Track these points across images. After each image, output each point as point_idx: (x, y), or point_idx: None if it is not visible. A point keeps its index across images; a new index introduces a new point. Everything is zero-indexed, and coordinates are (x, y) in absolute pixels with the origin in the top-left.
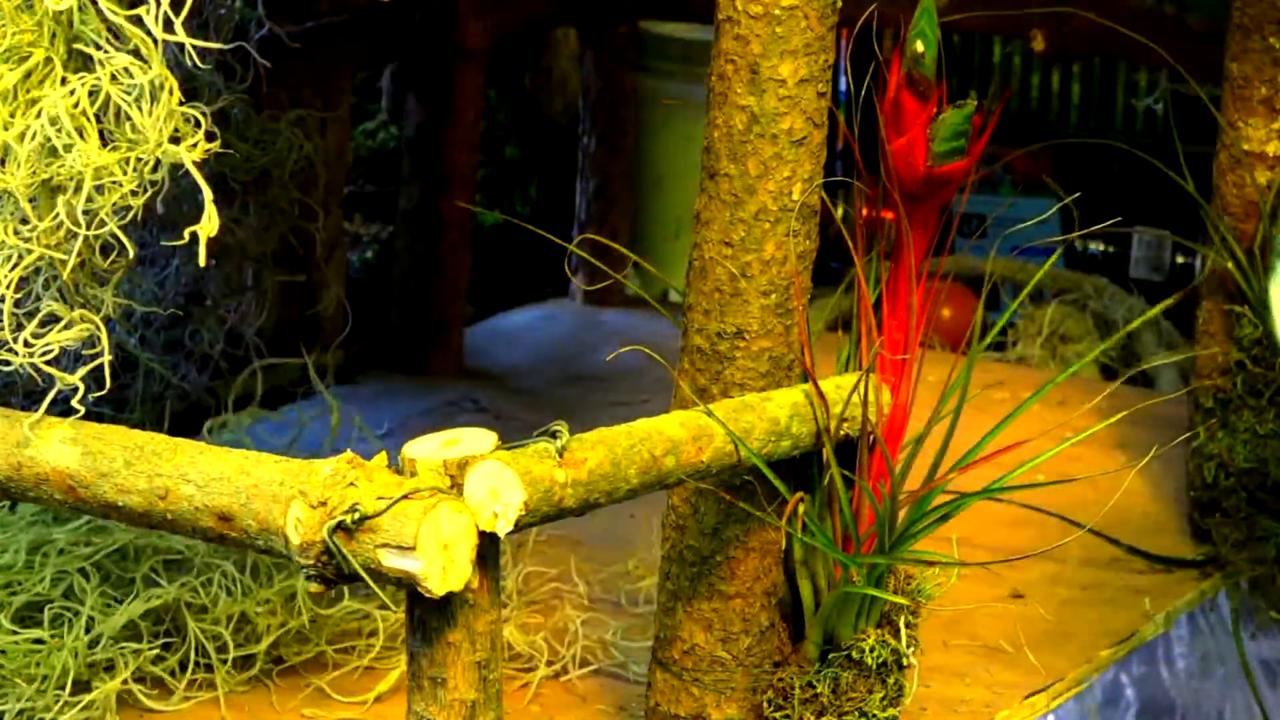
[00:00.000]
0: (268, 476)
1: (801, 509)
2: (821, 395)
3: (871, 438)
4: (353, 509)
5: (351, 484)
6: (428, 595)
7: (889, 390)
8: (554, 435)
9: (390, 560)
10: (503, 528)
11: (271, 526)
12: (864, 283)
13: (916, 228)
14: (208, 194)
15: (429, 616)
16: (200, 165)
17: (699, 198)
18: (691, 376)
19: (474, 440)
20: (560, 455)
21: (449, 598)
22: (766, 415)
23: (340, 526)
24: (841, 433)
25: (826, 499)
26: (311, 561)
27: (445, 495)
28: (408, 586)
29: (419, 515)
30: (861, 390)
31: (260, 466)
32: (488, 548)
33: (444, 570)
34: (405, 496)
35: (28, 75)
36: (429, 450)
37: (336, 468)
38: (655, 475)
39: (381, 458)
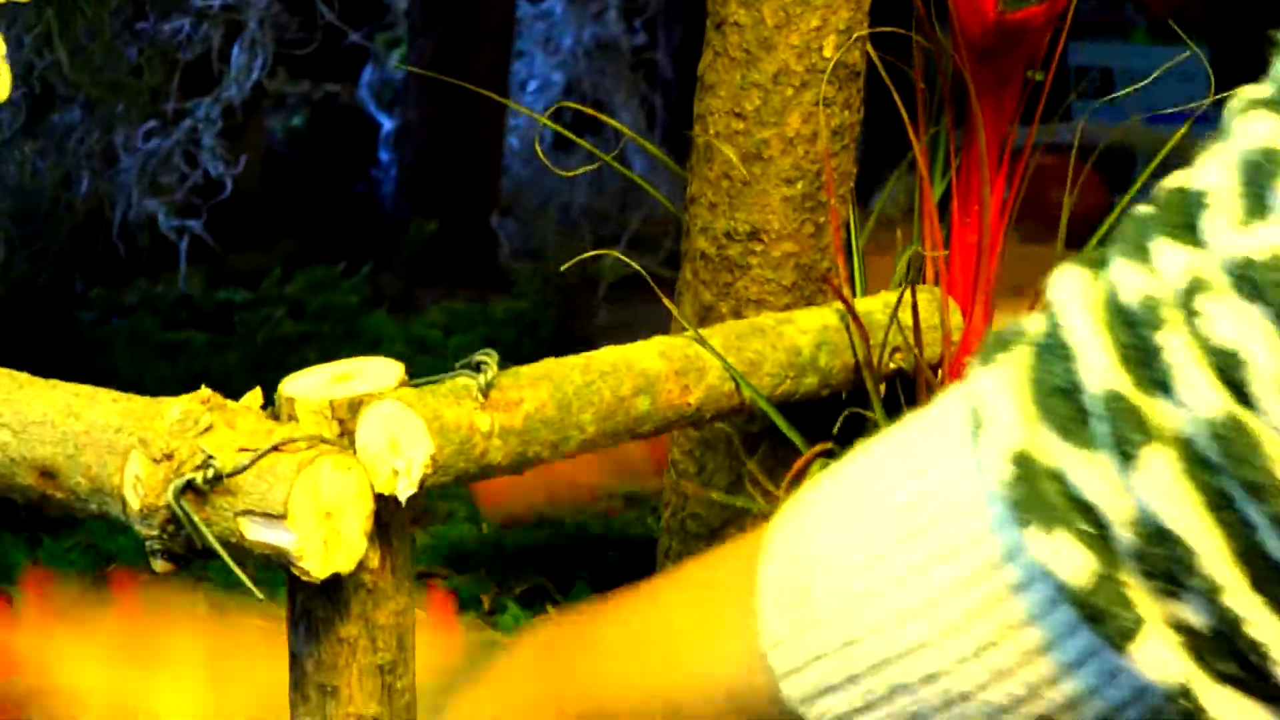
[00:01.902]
0: (101, 420)
1: (816, 468)
2: (855, 316)
3: (939, 373)
4: (205, 464)
5: (207, 430)
6: (305, 578)
7: (959, 309)
8: (478, 368)
9: (255, 532)
10: (404, 489)
11: (105, 486)
12: (925, 167)
13: (989, 92)
14: None
15: (314, 605)
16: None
17: (703, 54)
18: (695, 290)
19: (374, 373)
20: (484, 394)
21: (338, 581)
22: (783, 343)
23: (190, 487)
24: (891, 366)
25: None
26: (156, 532)
27: (329, 447)
28: (281, 566)
29: (291, 474)
30: (912, 308)
31: (93, 407)
32: (392, 515)
33: (326, 545)
34: (275, 448)
35: None
36: (313, 386)
37: (188, 409)
38: (622, 421)
39: (253, 396)
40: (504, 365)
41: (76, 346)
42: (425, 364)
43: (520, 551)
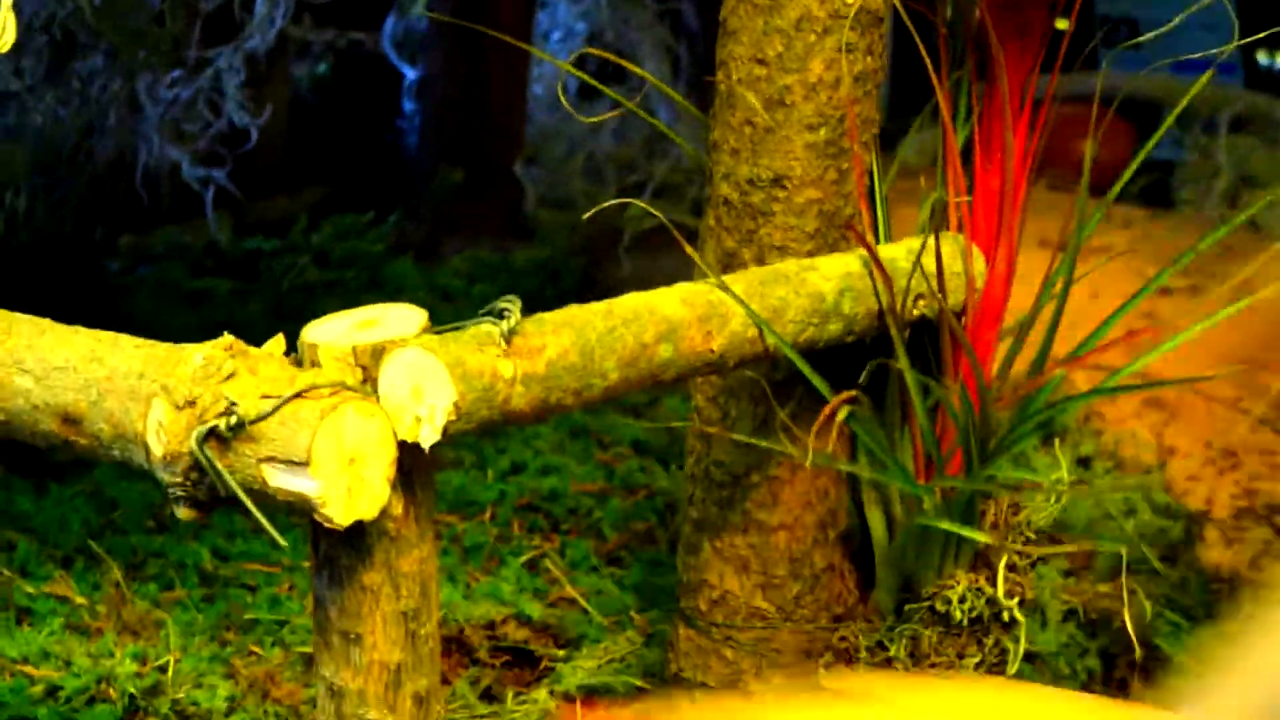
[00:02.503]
0: (124, 366)
1: (841, 415)
2: (879, 263)
3: (962, 319)
4: (229, 411)
5: (230, 377)
6: (329, 525)
7: (982, 256)
8: (500, 315)
9: (278, 479)
10: (428, 436)
11: (128, 432)
12: (948, 113)
13: (1011, 39)
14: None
15: (337, 552)
16: None
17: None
18: (718, 236)
19: (396, 320)
20: (507, 341)
21: (361, 528)
22: (806, 289)
23: (213, 434)
24: (915, 313)
25: (901, 401)
26: (179, 479)
27: (352, 394)
28: (305, 513)
29: (314, 420)
30: (936, 255)
31: (116, 352)
32: (415, 462)
33: (350, 493)
34: (298, 395)
35: None
36: (336, 333)
37: (210, 355)
38: (645, 368)
39: (275, 342)
40: (527, 313)
41: (101, 294)
42: (447, 313)
43: (525, 501)
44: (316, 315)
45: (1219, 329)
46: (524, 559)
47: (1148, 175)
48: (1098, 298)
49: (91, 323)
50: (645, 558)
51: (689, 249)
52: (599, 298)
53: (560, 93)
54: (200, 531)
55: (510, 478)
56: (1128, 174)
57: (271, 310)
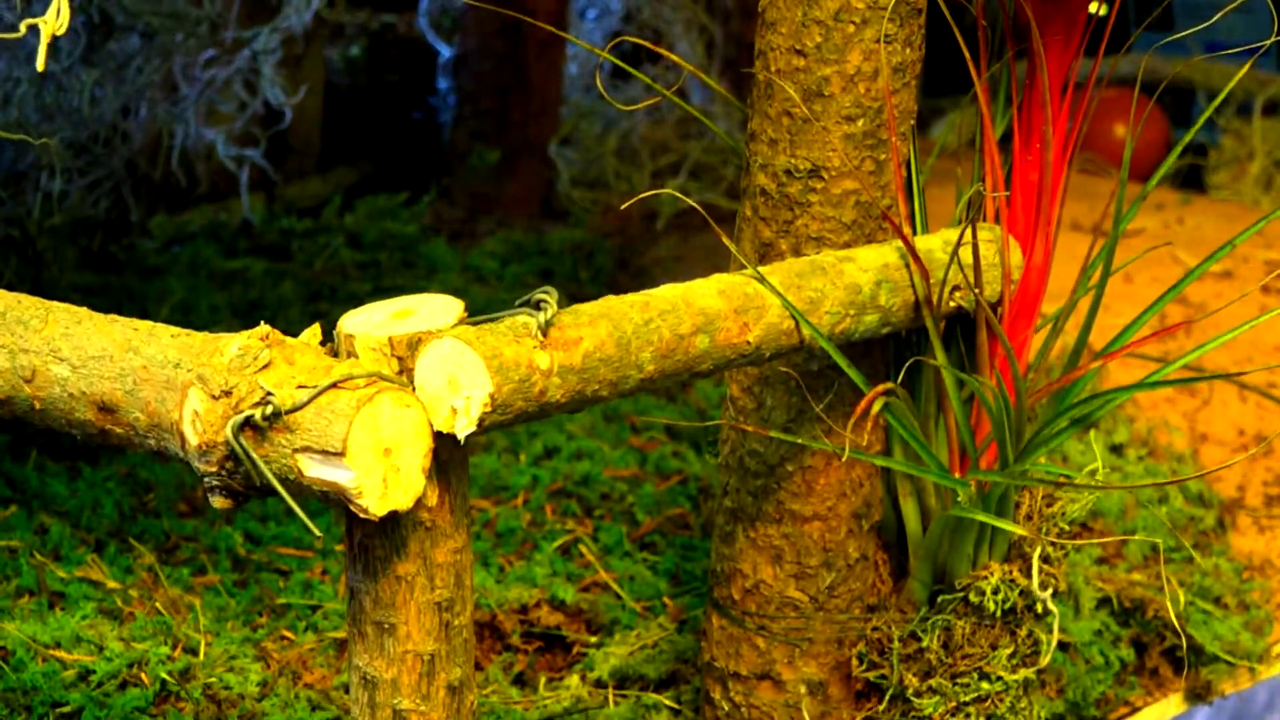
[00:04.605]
0: (161, 356)
1: (876, 407)
2: (915, 255)
3: (999, 312)
4: (264, 401)
5: (266, 367)
6: (363, 515)
7: (1019, 247)
8: (537, 306)
9: (314, 469)
10: (463, 428)
11: (163, 422)
12: (986, 106)
13: (1055, 32)
14: None
15: (372, 542)
16: None
17: None
18: (754, 226)
19: (433, 311)
20: (544, 333)
21: (395, 519)
22: (844, 281)
23: (248, 423)
24: (951, 304)
25: (936, 393)
26: (214, 468)
27: (388, 384)
28: (339, 504)
29: (350, 410)
30: (973, 247)
31: (152, 342)
32: (450, 453)
33: (385, 483)
34: (334, 385)
35: None
36: (372, 323)
37: (247, 345)
38: (681, 360)
39: (312, 332)
40: (562, 300)
41: (135, 274)
42: (481, 295)
43: (558, 486)
44: (349, 296)
45: (1252, 312)
46: (557, 544)
47: (1181, 159)
48: (1131, 281)
49: (125, 302)
50: (678, 543)
51: (726, 239)
52: (633, 279)
53: (597, 79)
54: (233, 515)
55: (543, 462)
56: (1168, 163)
57: (304, 291)
